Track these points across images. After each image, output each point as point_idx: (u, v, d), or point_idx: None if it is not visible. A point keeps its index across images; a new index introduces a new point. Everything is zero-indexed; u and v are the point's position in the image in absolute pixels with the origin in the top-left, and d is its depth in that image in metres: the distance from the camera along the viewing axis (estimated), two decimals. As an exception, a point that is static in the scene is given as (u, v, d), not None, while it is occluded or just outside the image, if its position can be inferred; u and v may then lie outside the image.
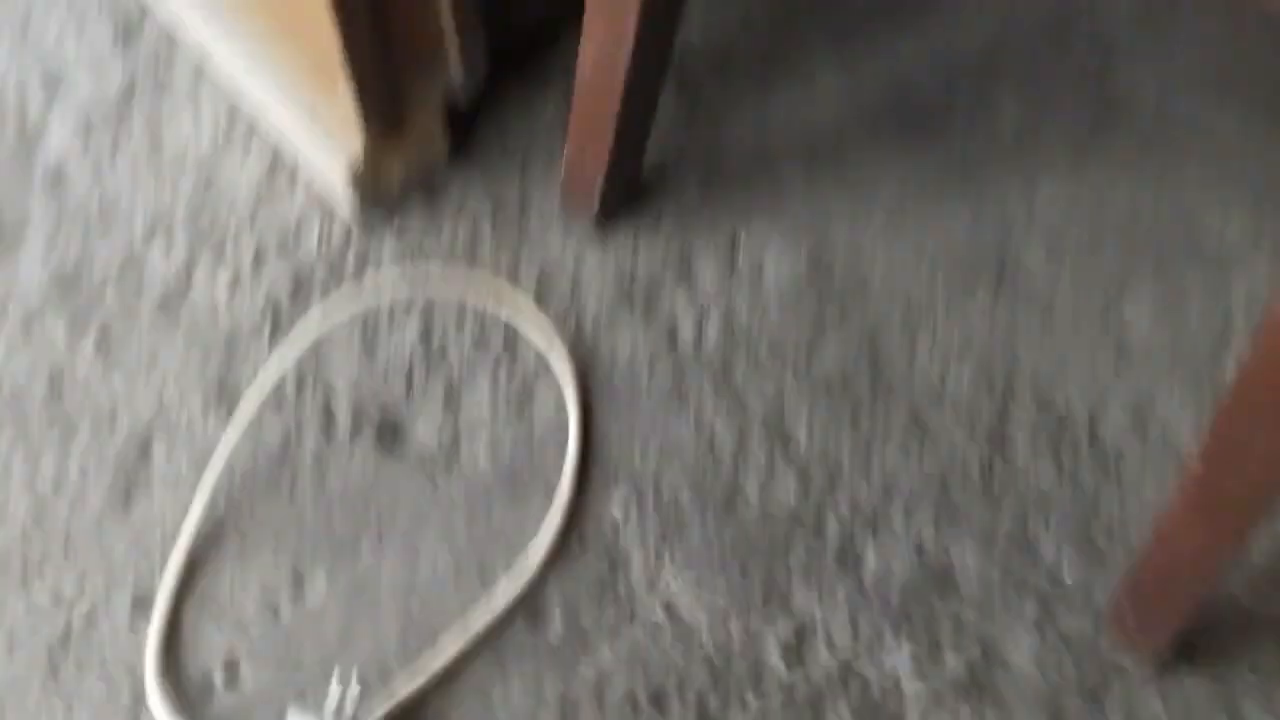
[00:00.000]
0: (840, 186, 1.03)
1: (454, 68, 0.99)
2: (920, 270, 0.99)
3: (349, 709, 0.75)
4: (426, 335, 0.95)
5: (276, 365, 0.90)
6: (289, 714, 0.76)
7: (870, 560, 0.86)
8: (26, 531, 0.85)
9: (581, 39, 0.87)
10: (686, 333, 0.95)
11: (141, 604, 0.82)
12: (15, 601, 0.83)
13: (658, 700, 0.80)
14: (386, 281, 0.96)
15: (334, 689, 0.76)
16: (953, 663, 0.82)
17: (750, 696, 0.80)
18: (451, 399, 0.92)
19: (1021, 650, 0.82)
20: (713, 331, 0.96)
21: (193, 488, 0.86)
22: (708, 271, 0.99)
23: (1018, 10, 1.15)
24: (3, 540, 0.85)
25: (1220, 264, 0.98)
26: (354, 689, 0.76)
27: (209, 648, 0.81)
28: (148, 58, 1.10)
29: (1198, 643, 0.81)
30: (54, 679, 0.80)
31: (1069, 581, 0.85)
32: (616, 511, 0.87)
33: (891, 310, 0.97)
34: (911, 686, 0.81)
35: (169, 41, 1.11)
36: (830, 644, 0.82)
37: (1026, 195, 1.03)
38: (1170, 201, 1.01)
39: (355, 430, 0.90)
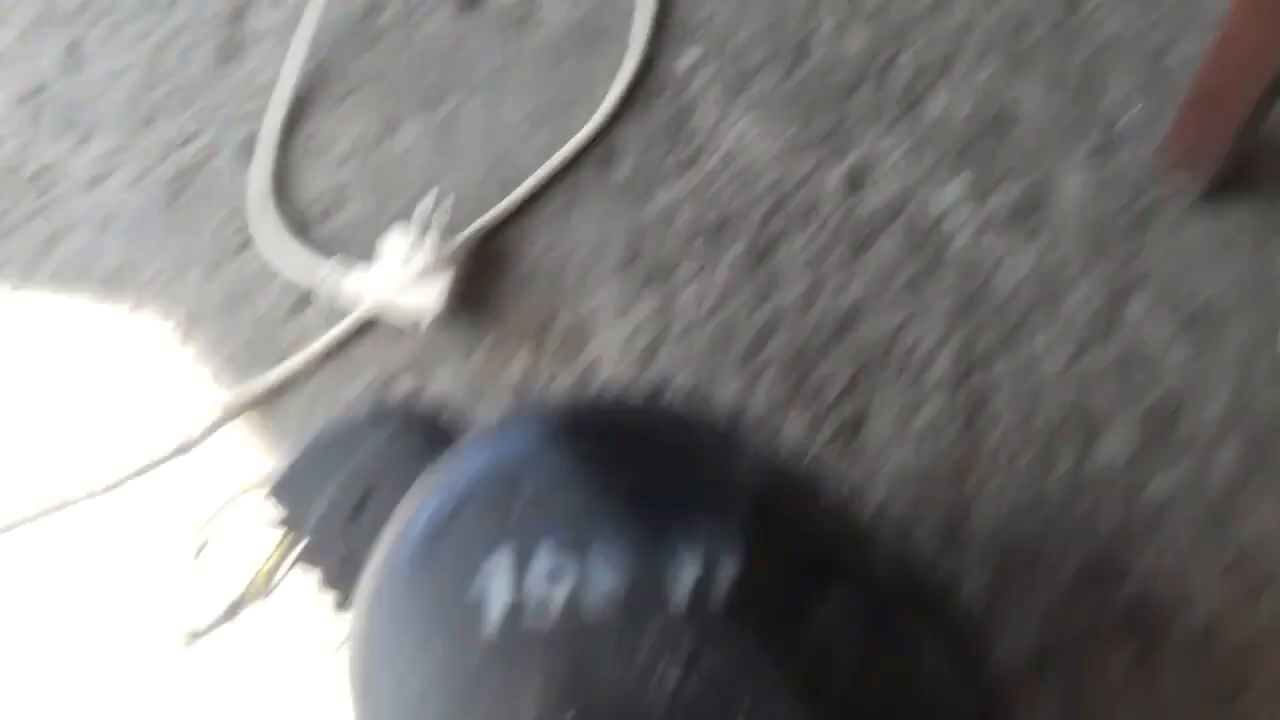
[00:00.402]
0: None
1: None
2: None
3: (440, 221, 0.82)
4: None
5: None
6: (388, 233, 0.83)
7: (935, 102, 0.88)
8: (141, 83, 0.92)
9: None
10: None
11: (248, 145, 0.89)
12: (136, 142, 0.90)
13: (721, 226, 0.85)
14: None
15: (426, 202, 0.82)
16: (1005, 191, 0.84)
17: (809, 222, 0.85)
18: (529, -37, 0.94)
19: (1074, 181, 0.84)
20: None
21: (287, 47, 0.91)
22: None
23: None
24: (121, 91, 0.92)
25: None
26: (447, 204, 0.82)
27: (312, 182, 0.88)
28: None
29: (1242, 179, 0.82)
30: (174, 208, 0.88)
31: (1135, 111, 0.85)
32: (689, 59, 0.90)
33: None
34: (963, 213, 0.84)
35: None
36: (888, 175, 0.86)
37: None
38: None
39: (435, -10, 0.93)
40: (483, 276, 0.84)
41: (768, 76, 0.89)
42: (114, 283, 0.86)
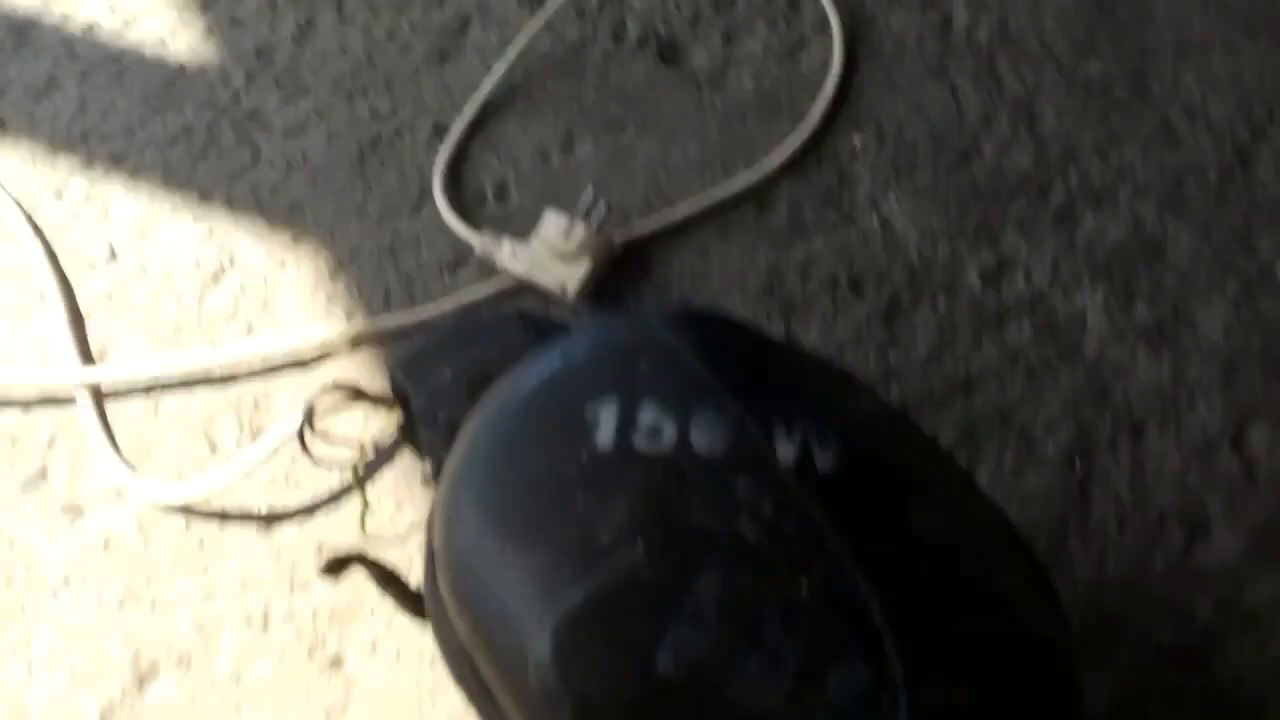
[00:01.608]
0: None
1: None
2: (1205, 16, 1.01)
3: (596, 217, 0.87)
4: (720, -16, 1.05)
5: (587, -22, 1.03)
6: (546, 213, 0.88)
7: (1088, 223, 0.90)
8: (359, 63, 1.01)
9: None
10: (960, 24, 1.01)
11: (439, 131, 0.97)
12: (340, 109, 0.98)
13: (856, 285, 0.88)
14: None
15: (587, 195, 0.87)
16: (1142, 312, 0.85)
17: (941, 300, 0.87)
18: (731, 35, 1.01)
19: (1213, 317, 0.85)
20: (986, 26, 1.01)
21: (497, 58, 0.99)
22: (991, -18, 1.04)
23: None
24: (340, 67, 1.01)
25: None
26: (603, 204, 0.87)
27: (487, 171, 0.95)
28: None
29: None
30: (361, 167, 0.95)
31: (1279, 276, 0.86)
32: (856, 142, 0.95)
33: (1167, 41, 0.99)
34: (1097, 322, 0.85)
35: None
36: (1028, 277, 0.87)
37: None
38: None
39: (641, 43, 1.01)
40: (625, 277, 0.88)
41: (928, 172, 0.93)
42: (288, 214, 0.93)
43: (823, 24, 1.01)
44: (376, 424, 0.78)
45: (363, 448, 0.76)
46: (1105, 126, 0.95)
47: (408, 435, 0.67)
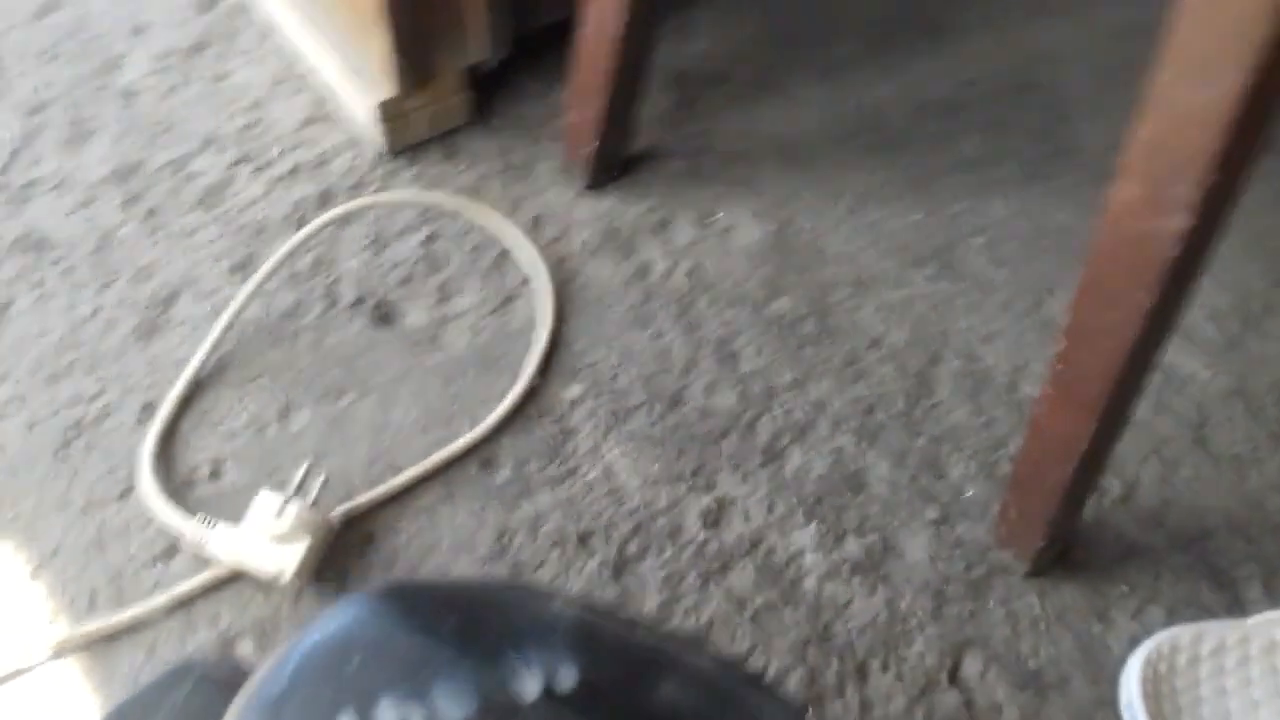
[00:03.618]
0: (810, 183, 1.17)
1: (480, 42, 1.14)
2: (873, 250, 1.11)
3: (313, 492, 0.85)
4: (430, 243, 1.08)
5: (294, 243, 1.03)
6: (259, 494, 0.86)
7: (794, 458, 0.96)
8: (61, 344, 0.97)
9: (581, 13, 1.03)
10: (657, 271, 1.08)
11: (149, 409, 0.94)
12: (41, 393, 0.94)
13: (584, 539, 0.89)
14: (402, 193, 1.10)
15: (300, 471, 0.86)
16: (853, 546, 0.91)
17: (668, 548, 0.89)
18: (444, 293, 1.04)
19: (917, 544, 0.91)
20: (681, 272, 1.08)
21: (208, 330, 0.98)
22: (683, 230, 1.11)
23: (987, 65, 1.30)
24: (40, 349, 0.97)
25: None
26: (320, 477, 0.86)
27: (200, 449, 0.92)
28: (222, 19, 1.27)
29: (1078, 555, 0.90)
30: (63, 454, 0.91)
31: (969, 495, 0.94)
32: (573, 394, 0.98)
33: (843, 276, 1.09)
34: (812, 559, 0.90)
35: (242, 9, 1.28)
36: (746, 517, 0.92)
37: (975, 207, 1.15)
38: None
39: (355, 306, 1.02)
40: (346, 553, 0.87)
41: (643, 417, 0.97)
42: (-22, 513, 0.87)
43: (530, 276, 1.05)
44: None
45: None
46: (799, 362, 1.02)
47: None
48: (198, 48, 1.24)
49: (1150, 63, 0.63)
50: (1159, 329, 0.74)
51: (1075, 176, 1.19)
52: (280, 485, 0.88)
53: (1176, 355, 1.03)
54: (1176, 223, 0.66)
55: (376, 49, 1.07)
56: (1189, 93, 0.63)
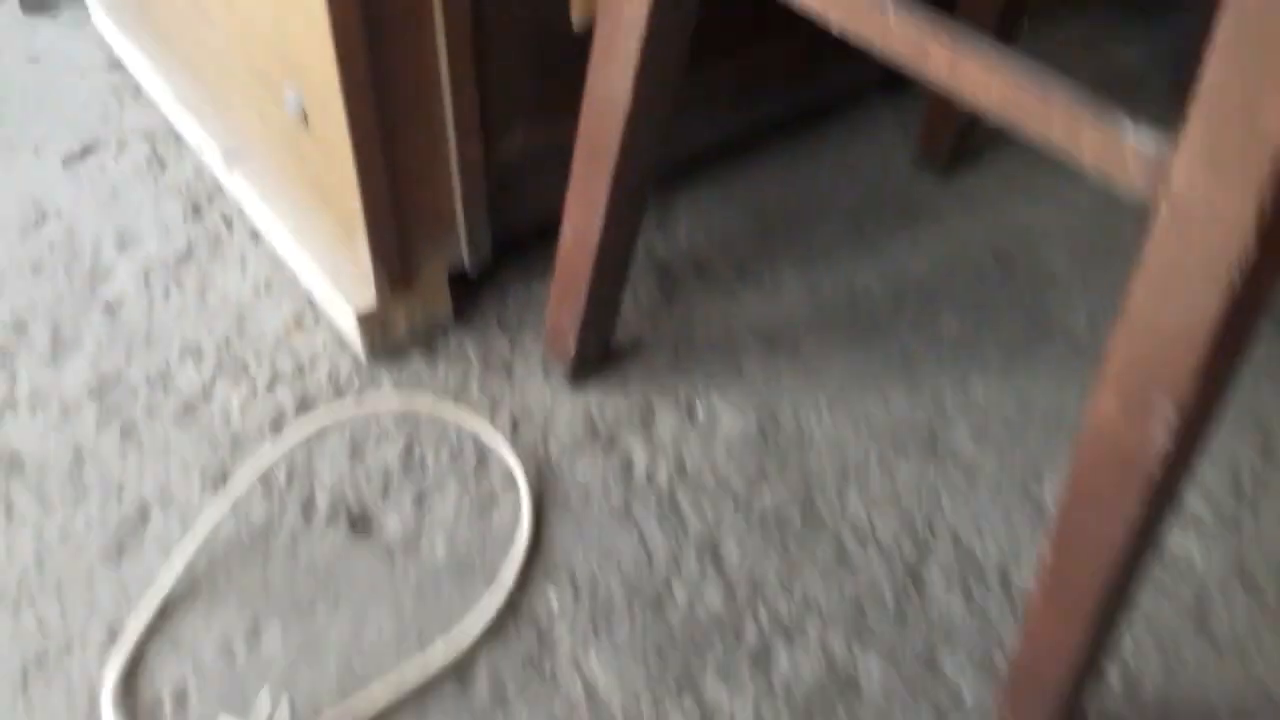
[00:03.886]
0: (793, 370, 1.16)
1: (461, 245, 1.16)
2: (858, 437, 1.10)
3: (281, 717, 0.82)
4: (409, 449, 1.07)
5: (270, 454, 1.02)
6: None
7: (782, 662, 0.92)
8: (26, 570, 0.95)
9: (562, 221, 1.04)
10: (640, 467, 1.06)
11: (114, 635, 0.91)
12: (3, 623, 0.92)
13: (566, 759, 0.86)
14: (380, 401, 1.09)
15: (263, 700, 0.83)
16: (849, 754, 0.87)
17: (654, 765, 0.86)
18: (422, 500, 1.02)
19: (915, 749, 0.87)
20: (664, 467, 1.06)
21: (179, 549, 0.96)
22: (666, 424, 1.10)
23: (967, 244, 1.31)
24: (4, 577, 0.95)
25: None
26: (284, 707, 0.83)
27: (165, 676, 0.89)
28: (210, 227, 1.29)
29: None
30: (23, 692, 0.88)
31: (968, 700, 0.90)
32: (553, 603, 0.95)
33: (828, 466, 1.07)
34: (806, 770, 0.86)
35: (230, 217, 1.30)
36: (735, 727, 0.88)
37: (959, 388, 1.15)
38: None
39: (331, 516, 1.01)
40: (316, 784, 0.83)
41: (625, 623, 0.94)
42: (-68, 756, 0.83)
43: (511, 478, 1.04)
44: None
45: None
46: (785, 556, 0.99)
47: None
48: (183, 257, 1.25)
49: (1131, 242, 0.63)
50: (1146, 539, 0.72)
51: (1059, 355, 1.18)
52: (245, 714, 0.84)
53: (1171, 537, 1.01)
54: (1157, 443, 0.65)
55: (358, 257, 1.08)
56: (1165, 315, 0.63)
